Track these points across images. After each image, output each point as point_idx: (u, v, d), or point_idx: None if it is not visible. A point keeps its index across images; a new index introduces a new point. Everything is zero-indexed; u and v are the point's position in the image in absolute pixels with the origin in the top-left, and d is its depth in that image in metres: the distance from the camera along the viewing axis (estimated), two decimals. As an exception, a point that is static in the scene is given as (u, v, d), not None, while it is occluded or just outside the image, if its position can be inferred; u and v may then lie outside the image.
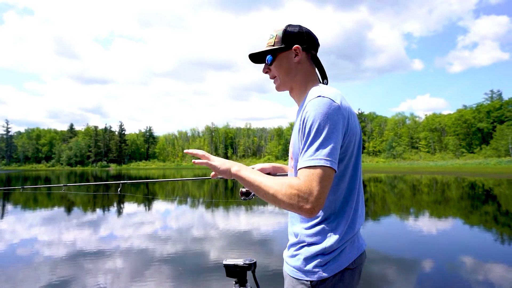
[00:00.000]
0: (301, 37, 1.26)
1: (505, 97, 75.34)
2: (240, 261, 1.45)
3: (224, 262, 1.48)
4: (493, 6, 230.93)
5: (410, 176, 32.60)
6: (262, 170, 1.51)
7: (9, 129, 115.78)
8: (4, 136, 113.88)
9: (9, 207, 12.41)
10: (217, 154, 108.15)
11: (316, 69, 1.32)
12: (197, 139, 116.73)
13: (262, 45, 1.34)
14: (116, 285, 4.15)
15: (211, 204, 12.79)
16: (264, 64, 1.34)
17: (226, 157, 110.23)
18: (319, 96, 1.09)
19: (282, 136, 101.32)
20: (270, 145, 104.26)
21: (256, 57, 1.35)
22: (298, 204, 1.00)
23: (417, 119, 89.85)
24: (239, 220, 8.88)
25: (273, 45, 1.28)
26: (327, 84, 1.31)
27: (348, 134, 1.11)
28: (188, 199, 15.00)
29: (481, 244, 6.31)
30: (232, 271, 1.47)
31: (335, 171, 1.04)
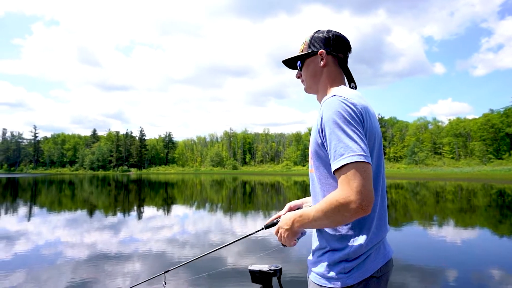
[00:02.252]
0: (327, 42, 1.29)
1: (535, 100, 72.09)
2: (265, 267, 1.43)
3: (250, 268, 1.46)
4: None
5: (433, 183, 31.58)
6: (294, 207, 1.49)
7: (37, 134, 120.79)
8: (32, 141, 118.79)
9: (35, 209, 12.86)
10: (235, 160, 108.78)
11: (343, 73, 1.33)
12: (216, 144, 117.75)
13: (290, 52, 1.41)
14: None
15: (229, 209, 12.81)
16: (297, 70, 1.40)
17: (245, 162, 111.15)
18: (334, 95, 1.12)
19: (300, 142, 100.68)
20: (288, 151, 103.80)
21: (289, 63, 1.41)
22: (346, 209, 0.98)
23: (440, 124, 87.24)
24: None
25: (302, 51, 1.34)
26: (354, 88, 1.30)
27: (368, 134, 1.10)
28: (207, 204, 15.09)
29: (510, 255, 6.00)
30: (257, 277, 1.44)
31: (368, 163, 1.01)
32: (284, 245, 1.29)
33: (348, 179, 0.99)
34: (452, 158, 77.22)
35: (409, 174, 52.87)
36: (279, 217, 1.46)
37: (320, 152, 1.14)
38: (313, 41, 1.31)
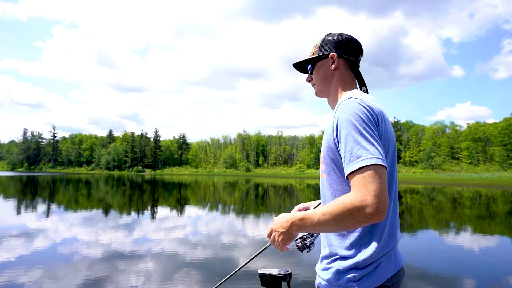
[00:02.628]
0: (338, 45, 1.27)
1: (559, 105, 69.48)
2: (275, 271, 1.43)
3: (259, 271, 1.46)
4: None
5: (450, 188, 30.79)
6: (303, 209, 1.44)
7: (56, 135, 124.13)
8: (51, 141, 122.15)
9: (53, 207, 13.21)
10: (248, 162, 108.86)
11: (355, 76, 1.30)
12: (229, 146, 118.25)
13: (304, 55, 1.39)
14: (150, 286, 4.25)
15: (241, 211, 12.84)
16: (308, 74, 1.38)
17: (258, 165, 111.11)
18: (350, 98, 1.11)
19: (314, 145, 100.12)
20: (301, 153, 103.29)
21: (300, 67, 1.39)
22: (364, 214, 0.93)
23: (458, 128, 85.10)
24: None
25: (313, 55, 1.32)
26: (366, 91, 1.28)
27: (382, 138, 1.08)
28: (219, 206, 15.17)
29: (532, 264, 5.79)
30: (267, 281, 1.45)
31: (385, 167, 0.98)
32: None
33: (365, 182, 0.95)
34: (471, 163, 75.14)
35: (425, 179, 51.72)
36: None
37: (333, 156, 1.11)
38: (324, 44, 1.29)
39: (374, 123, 1.05)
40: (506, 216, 12.24)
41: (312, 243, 1.30)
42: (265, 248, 1.45)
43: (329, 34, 1.30)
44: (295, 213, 1.10)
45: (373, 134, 1.02)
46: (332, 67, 1.26)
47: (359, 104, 1.06)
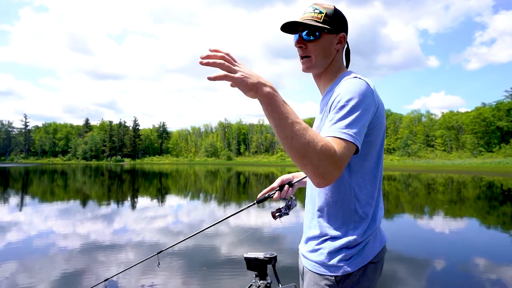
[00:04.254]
0: (346, 24, 1.21)
1: (527, 94, 72.84)
2: (260, 255, 1.45)
3: (245, 255, 1.48)
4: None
5: (425, 175, 31.96)
6: (286, 180, 1.45)
7: (28, 124, 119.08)
8: (23, 130, 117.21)
9: (27, 199, 12.77)
10: (229, 150, 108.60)
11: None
12: (210, 135, 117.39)
13: (296, 18, 1.19)
14: (137, 277, 4.22)
15: (223, 199, 12.86)
16: (298, 37, 1.18)
17: (239, 153, 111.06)
18: (356, 77, 1.08)
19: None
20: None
21: (289, 27, 1.17)
22: (328, 166, 0.88)
23: (433, 116, 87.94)
24: (256, 214, 8.88)
25: (321, 21, 1.15)
26: None
27: (377, 122, 1.09)
28: (201, 195, 15.12)
29: (497, 245, 6.13)
30: (252, 264, 1.46)
31: (357, 152, 1.00)
32: (215, 78, 0.87)
33: (344, 153, 0.93)
34: (444, 150, 78.10)
35: (402, 166, 53.38)
36: (272, 189, 1.43)
37: None
38: (336, 17, 1.17)
39: (373, 107, 1.05)
40: (475, 200, 12.86)
41: (287, 213, 1.37)
42: (249, 206, 1.48)
43: (336, 8, 1.19)
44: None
45: (365, 118, 1.01)
46: (338, 47, 1.21)
47: (367, 86, 1.05)
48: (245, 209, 1.48)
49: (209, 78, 0.88)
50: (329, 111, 1.06)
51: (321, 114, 1.18)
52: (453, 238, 6.65)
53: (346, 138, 0.95)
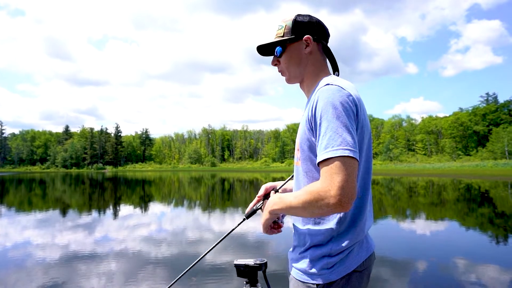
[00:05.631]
0: (311, 27, 1.21)
1: (501, 100, 76.06)
2: (251, 261, 1.42)
3: (235, 262, 1.45)
4: (485, 11, 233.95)
5: (407, 178, 32.69)
6: (270, 188, 1.43)
7: (3, 131, 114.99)
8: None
9: (2, 209, 12.26)
10: (214, 156, 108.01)
11: (328, 61, 1.27)
12: (194, 141, 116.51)
13: (268, 39, 1.27)
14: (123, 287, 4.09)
15: (207, 206, 12.73)
16: (273, 57, 1.27)
17: (223, 159, 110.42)
18: (328, 84, 1.06)
19: (279, 138, 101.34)
20: (267, 147, 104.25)
21: (264, 50, 1.28)
22: (323, 203, 0.94)
23: (413, 121, 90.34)
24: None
25: (283, 36, 1.22)
26: (338, 76, 1.26)
27: (360, 126, 1.06)
28: (185, 202, 14.92)
29: (475, 246, 6.31)
30: (242, 271, 1.44)
31: (356, 159, 0.96)
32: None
33: (331, 173, 0.94)
34: (425, 154, 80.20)
35: (384, 170, 54.43)
36: (258, 200, 1.41)
37: (310, 144, 1.08)
38: (296, 25, 1.20)
39: (352, 111, 1.02)
40: (455, 202, 13.23)
41: (282, 222, 1.35)
42: (239, 224, 1.46)
43: (300, 15, 1.22)
44: (276, 194, 1.19)
45: (349, 124, 0.99)
46: (307, 51, 1.20)
47: (338, 91, 1.03)
48: (236, 227, 1.47)
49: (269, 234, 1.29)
50: (310, 126, 1.07)
51: (304, 123, 1.14)
52: (433, 239, 6.79)
53: (330, 156, 0.95)
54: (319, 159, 0.99)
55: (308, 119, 1.08)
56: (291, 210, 1.06)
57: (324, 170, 0.96)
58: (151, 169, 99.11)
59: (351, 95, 1.04)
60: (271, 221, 1.19)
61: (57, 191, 22.15)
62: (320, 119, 1.01)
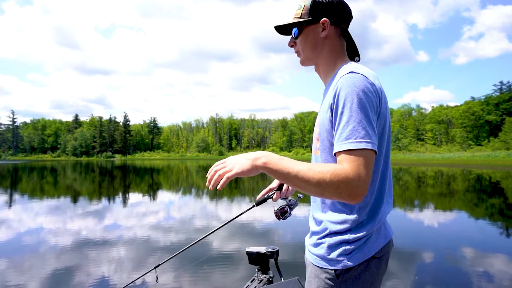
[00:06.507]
0: (331, 9, 1.15)
1: (514, 88, 74.08)
2: (263, 249, 1.43)
3: (247, 250, 1.46)
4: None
5: (415, 168, 32.39)
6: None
7: (15, 120, 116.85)
8: (10, 127, 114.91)
9: (16, 196, 12.56)
10: (221, 145, 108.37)
11: (345, 45, 1.22)
12: (202, 130, 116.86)
13: (287, 18, 1.24)
14: (139, 269, 4.18)
15: (215, 195, 12.85)
16: (290, 37, 1.24)
17: (231, 148, 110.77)
18: (351, 72, 1.03)
19: (286, 127, 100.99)
20: (274, 136, 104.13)
21: (282, 29, 1.24)
22: (348, 191, 0.92)
23: (423, 111, 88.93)
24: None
25: (300, 17, 1.18)
26: (358, 61, 1.23)
27: (381, 116, 1.05)
28: (193, 190, 15.07)
29: (485, 237, 6.26)
30: (254, 258, 1.45)
31: (376, 153, 0.97)
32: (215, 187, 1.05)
33: (360, 164, 0.93)
34: (434, 144, 79.15)
35: (393, 160, 53.54)
36: (270, 190, 1.42)
37: (332, 132, 1.05)
38: (314, 6, 1.15)
39: (376, 102, 1.01)
40: (464, 193, 13.09)
41: (290, 214, 1.33)
42: (249, 209, 1.45)
43: None
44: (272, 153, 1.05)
45: (371, 116, 0.98)
46: (323, 35, 1.16)
47: (362, 80, 1.00)
48: (244, 212, 1.46)
49: (219, 189, 1.05)
50: (332, 115, 1.04)
51: (325, 111, 1.11)
52: (441, 230, 6.75)
53: (353, 148, 0.94)
54: (340, 148, 0.97)
55: (329, 108, 1.05)
56: (292, 178, 0.97)
57: (350, 158, 0.94)
58: (159, 158, 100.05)
59: (374, 84, 1.02)
60: (247, 174, 1.03)
61: (68, 179, 22.56)
62: (343, 108, 0.99)
